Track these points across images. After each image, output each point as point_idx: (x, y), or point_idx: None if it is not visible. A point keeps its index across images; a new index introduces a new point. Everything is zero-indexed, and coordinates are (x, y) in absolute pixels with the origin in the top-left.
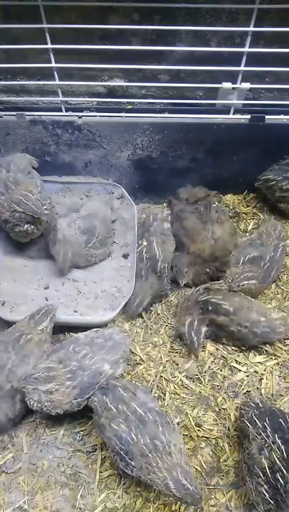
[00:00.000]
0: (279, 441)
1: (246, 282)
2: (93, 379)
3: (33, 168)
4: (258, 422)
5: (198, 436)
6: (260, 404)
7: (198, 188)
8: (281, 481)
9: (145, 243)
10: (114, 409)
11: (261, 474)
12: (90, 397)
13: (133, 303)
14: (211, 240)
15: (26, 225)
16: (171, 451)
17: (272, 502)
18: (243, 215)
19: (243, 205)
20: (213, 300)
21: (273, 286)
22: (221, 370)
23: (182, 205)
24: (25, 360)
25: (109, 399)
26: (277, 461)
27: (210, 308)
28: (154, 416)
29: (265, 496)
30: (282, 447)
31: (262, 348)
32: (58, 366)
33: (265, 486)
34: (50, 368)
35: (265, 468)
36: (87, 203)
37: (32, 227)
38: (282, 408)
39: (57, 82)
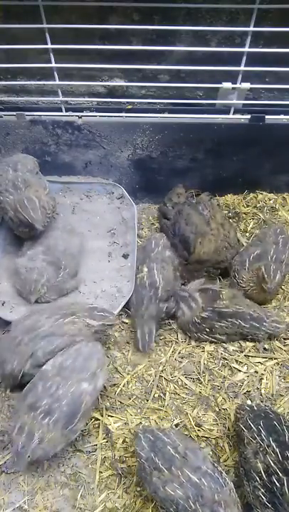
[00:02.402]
0: (274, 444)
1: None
2: (75, 404)
3: None
4: (252, 425)
5: (198, 436)
6: (255, 407)
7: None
8: (277, 484)
9: (146, 269)
10: (167, 472)
11: (258, 478)
12: (80, 420)
13: (143, 337)
14: (212, 238)
15: (23, 228)
16: None
17: (269, 505)
18: (243, 214)
19: (243, 205)
20: (213, 288)
21: None
22: (221, 371)
23: (180, 204)
24: (52, 339)
25: (159, 459)
26: (272, 465)
27: (210, 293)
28: (208, 482)
29: (262, 499)
30: (277, 450)
31: (260, 341)
32: (23, 418)
33: (262, 489)
34: (20, 429)
35: (261, 472)
36: (42, 233)
37: (27, 229)
38: (282, 408)
39: (57, 82)
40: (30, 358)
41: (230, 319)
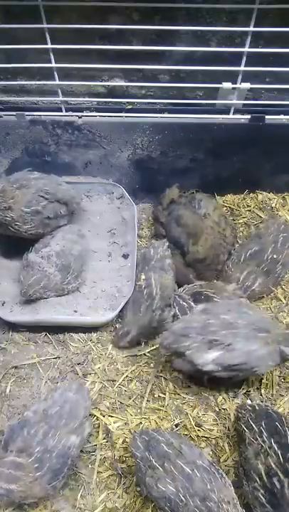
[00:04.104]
0: (275, 445)
1: (252, 289)
2: (63, 457)
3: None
4: (254, 426)
5: (198, 436)
6: (257, 407)
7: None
8: (278, 486)
9: (143, 277)
10: (160, 468)
11: (257, 479)
12: (63, 477)
13: (119, 331)
14: (207, 235)
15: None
16: (224, 510)
17: (268, 506)
18: (244, 216)
19: (243, 205)
20: (205, 292)
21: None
22: None
23: (172, 206)
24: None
25: (153, 456)
26: (274, 466)
27: (202, 297)
28: (201, 473)
29: (261, 500)
30: (279, 452)
31: None
32: (26, 461)
33: (261, 490)
34: (19, 465)
35: (262, 474)
36: (57, 234)
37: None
38: (282, 408)
39: (57, 82)
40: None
41: None
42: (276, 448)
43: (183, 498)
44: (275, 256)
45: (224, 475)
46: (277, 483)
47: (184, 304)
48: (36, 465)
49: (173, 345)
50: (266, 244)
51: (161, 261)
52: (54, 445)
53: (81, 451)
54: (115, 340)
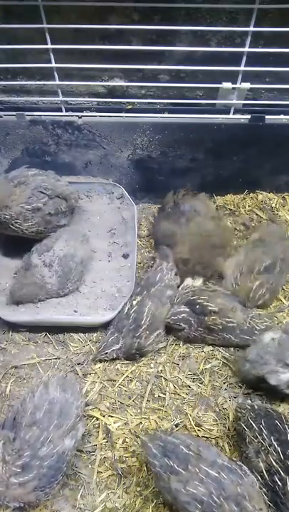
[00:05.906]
0: (275, 443)
1: (264, 298)
2: (57, 462)
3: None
4: (254, 424)
5: (198, 436)
6: (256, 406)
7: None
8: (279, 484)
9: (136, 301)
10: (185, 472)
11: (259, 478)
12: (58, 483)
13: (99, 347)
14: (187, 237)
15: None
16: None
17: (271, 504)
18: (244, 215)
19: (243, 205)
20: (199, 301)
21: None
22: (221, 370)
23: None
24: None
25: (173, 461)
26: (274, 464)
27: (197, 307)
28: (227, 475)
29: (264, 498)
30: (279, 449)
31: None
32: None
33: (263, 489)
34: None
35: (263, 472)
36: (62, 236)
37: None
38: (282, 408)
39: (57, 82)
40: None
41: (221, 333)
42: (276, 445)
43: (217, 499)
44: (284, 266)
45: (247, 471)
46: (278, 481)
47: (184, 315)
48: (19, 470)
49: (252, 372)
50: (277, 257)
51: (163, 291)
52: (48, 453)
53: (81, 451)
54: (97, 352)
